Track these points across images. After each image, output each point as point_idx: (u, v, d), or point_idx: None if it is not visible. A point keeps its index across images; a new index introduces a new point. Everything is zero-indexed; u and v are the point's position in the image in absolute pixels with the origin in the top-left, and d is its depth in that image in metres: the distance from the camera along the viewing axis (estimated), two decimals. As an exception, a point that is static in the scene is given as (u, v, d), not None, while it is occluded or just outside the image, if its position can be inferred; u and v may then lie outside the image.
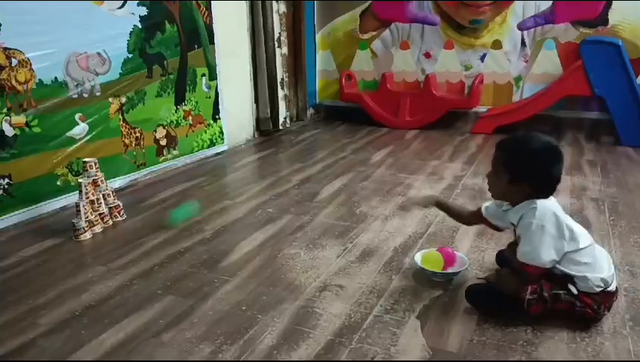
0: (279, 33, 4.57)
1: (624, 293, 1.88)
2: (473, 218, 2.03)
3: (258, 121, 4.60)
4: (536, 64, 4.60)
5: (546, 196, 1.70)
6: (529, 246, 1.65)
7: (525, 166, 1.68)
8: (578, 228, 1.69)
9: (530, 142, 1.70)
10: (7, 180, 2.60)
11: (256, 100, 4.53)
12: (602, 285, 1.65)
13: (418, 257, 2.07)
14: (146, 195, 3.10)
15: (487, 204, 1.94)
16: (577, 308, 1.66)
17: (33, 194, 2.73)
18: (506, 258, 1.99)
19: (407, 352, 1.58)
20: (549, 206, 1.67)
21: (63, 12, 2.80)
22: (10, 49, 2.55)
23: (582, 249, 1.65)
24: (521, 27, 4.57)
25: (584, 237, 1.68)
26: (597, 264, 1.68)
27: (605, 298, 1.68)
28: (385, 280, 2.02)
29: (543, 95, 4.39)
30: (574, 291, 1.66)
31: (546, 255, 1.63)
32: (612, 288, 1.69)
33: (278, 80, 4.58)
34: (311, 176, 3.44)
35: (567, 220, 1.68)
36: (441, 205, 2.16)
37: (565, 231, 1.64)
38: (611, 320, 1.72)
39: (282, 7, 4.64)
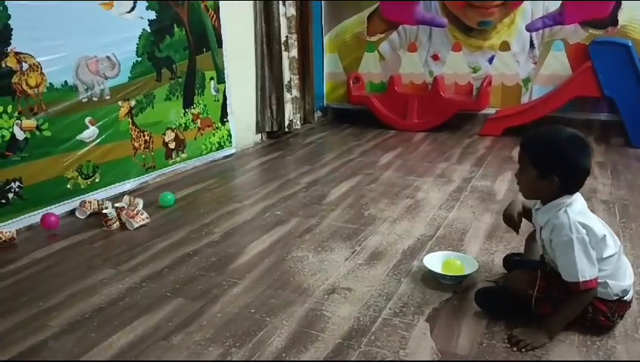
0: (286, 36, 4.58)
1: (636, 296, 1.85)
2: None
3: (265, 123, 4.61)
4: (544, 65, 4.57)
5: (576, 189, 1.65)
6: (583, 262, 1.56)
7: (552, 159, 1.61)
8: (609, 234, 1.63)
9: (555, 135, 1.64)
10: (17, 183, 2.62)
11: (263, 103, 4.55)
12: (620, 294, 1.63)
13: (427, 260, 2.06)
14: (156, 198, 3.11)
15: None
16: (589, 314, 1.63)
17: (43, 197, 2.75)
18: (516, 261, 1.98)
19: (417, 355, 1.58)
20: (578, 217, 1.59)
21: (73, 16, 2.82)
22: (21, 53, 2.57)
23: (606, 258, 1.60)
24: (529, 28, 4.55)
25: (611, 244, 1.63)
26: (620, 272, 1.64)
27: (620, 306, 1.66)
28: (394, 283, 2.01)
29: (552, 96, 4.37)
30: None
31: (593, 266, 1.57)
32: (628, 297, 1.67)
33: (285, 83, 4.59)
34: (319, 179, 3.44)
35: (597, 226, 1.61)
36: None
37: (592, 241, 1.58)
38: (622, 324, 1.70)
39: (290, 10, 4.65)
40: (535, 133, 1.72)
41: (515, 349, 1.59)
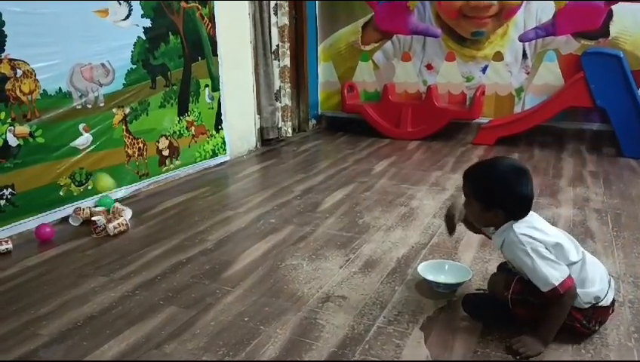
0: (277, 45, 4.61)
1: (629, 305, 1.87)
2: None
3: (261, 132, 4.63)
4: (537, 76, 4.61)
5: (522, 216, 1.66)
6: (547, 267, 1.56)
7: (492, 193, 1.65)
8: (567, 244, 1.64)
9: (492, 169, 1.69)
10: (10, 190, 2.60)
11: (259, 111, 4.56)
12: (592, 301, 1.62)
13: (421, 268, 2.06)
14: (149, 205, 3.10)
15: None
16: (566, 322, 1.62)
17: (36, 204, 2.73)
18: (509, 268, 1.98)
19: (411, 364, 1.57)
20: (523, 230, 1.62)
21: (68, 23, 2.82)
22: (15, 60, 2.56)
23: (567, 265, 1.60)
24: (522, 39, 4.59)
25: (572, 252, 1.63)
26: (587, 280, 1.63)
27: (598, 313, 1.65)
28: (388, 292, 2.01)
29: (544, 106, 4.40)
30: None
31: (559, 267, 1.58)
32: (605, 303, 1.65)
33: (274, 91, 4.63)
34: (313, 187, 3.44)
35: (550, 237, 1.62)
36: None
37: (550, 249, 1.60)
38: (616, 332, 1.70)
39: (283, 20, 4.68)
40: (476, 165, 1.77)
41: (512, 357, 1.59)
